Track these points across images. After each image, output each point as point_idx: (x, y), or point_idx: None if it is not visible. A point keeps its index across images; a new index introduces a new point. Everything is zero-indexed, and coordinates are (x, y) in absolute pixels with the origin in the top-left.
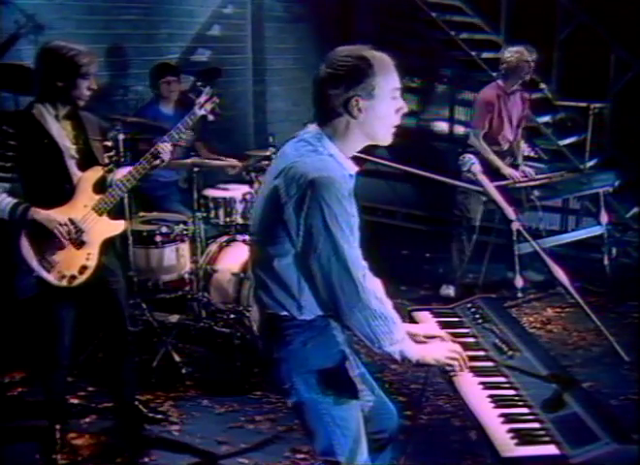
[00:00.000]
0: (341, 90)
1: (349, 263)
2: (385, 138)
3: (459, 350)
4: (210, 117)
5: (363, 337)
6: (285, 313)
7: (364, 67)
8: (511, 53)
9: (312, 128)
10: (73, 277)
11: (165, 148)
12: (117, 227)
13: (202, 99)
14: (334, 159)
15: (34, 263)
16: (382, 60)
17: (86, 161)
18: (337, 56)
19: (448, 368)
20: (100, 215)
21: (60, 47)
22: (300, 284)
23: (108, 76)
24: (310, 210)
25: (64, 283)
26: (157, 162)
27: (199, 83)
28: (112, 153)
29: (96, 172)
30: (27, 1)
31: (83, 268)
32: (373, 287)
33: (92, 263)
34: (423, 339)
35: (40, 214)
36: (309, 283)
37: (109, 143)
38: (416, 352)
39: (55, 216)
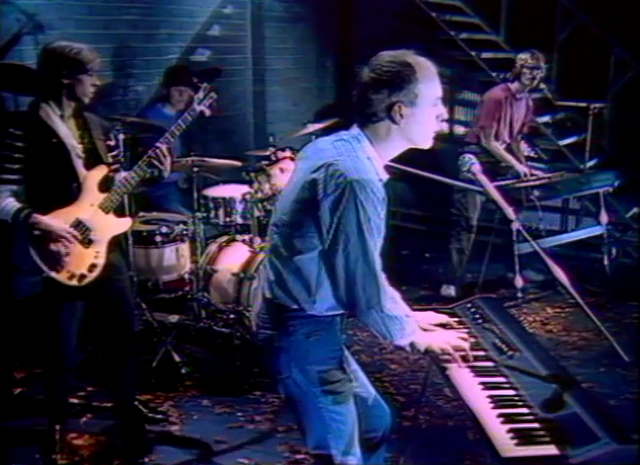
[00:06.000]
0: (384, 95)
1: (375, 266)
2: (425, 142)
3: (464, 338)
4: (208, 113)
5: (377, 333)
6: (295, 306)
7: (407, 73)
8: (518, 59)
9: (353, 128)
10: (83, 276)
11: (162, 153)
12: (124, 224)
13: (200, 95)
14: (370, 162)
15: (43, 263)
16: (426, 67)
17: (92, 160)
18: (381, 61)
19: (451, 357)
20: (106, 213)
21: (63, 46)
22: (319, 280)
23: (108, 76)
24: (346, 210)
25: (74, 282)
26: (157, 168)
27: (196, 79)
28: (115, 152)
29: (101, 171)
30: (27, 1)
31: (93, 267)
32: (389, 288)
33: (101, 261)
34: (433, 328)
35: (41, 223)
36: (329, 280)
37: (112, 143)
38: (424, 341)
39: (55, 226)
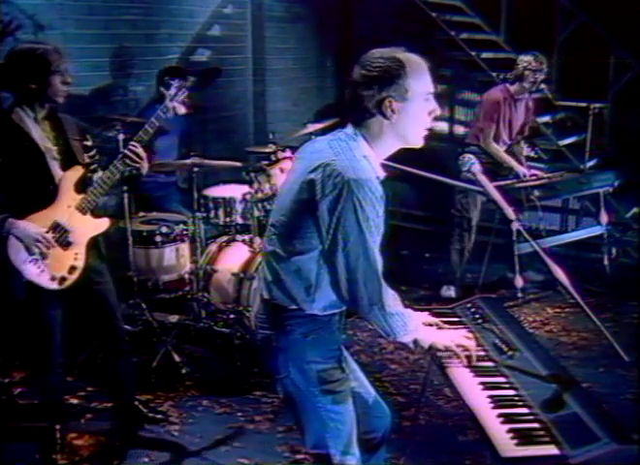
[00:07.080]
0: (375, 91)
1: (376, 264)
2: (417, 140)
3: (469, 337)
4: (182, 110)
5: (379, 329)
6: (294, 307)
7: (396, 68)
8: (521, 62)
9: (348, 128)
10: (63, 278)
11: (137, 151)
12: (101, 225)
13: (172, 91)
14: (367, 160)
15: (23, 266)
16: (415, 62)
17: (68, 161)
18: (371, 58)
19: (455, 356)
20: (84, 214)
21: (26, 49)
22: (318, 279)
23: (108, 76)
24: (345, 210)
25: (55, 285)
26: (132, 167)
27: (166, 77)
28: (92, 153)
29: (77, 172)
30: (27, 1)
31: (72, 269)
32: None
33: (80, 262)
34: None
35: (17, 229)
36: (329, 279)
37: (88, 143)
38: (428, 338)
39: (31, 231)
